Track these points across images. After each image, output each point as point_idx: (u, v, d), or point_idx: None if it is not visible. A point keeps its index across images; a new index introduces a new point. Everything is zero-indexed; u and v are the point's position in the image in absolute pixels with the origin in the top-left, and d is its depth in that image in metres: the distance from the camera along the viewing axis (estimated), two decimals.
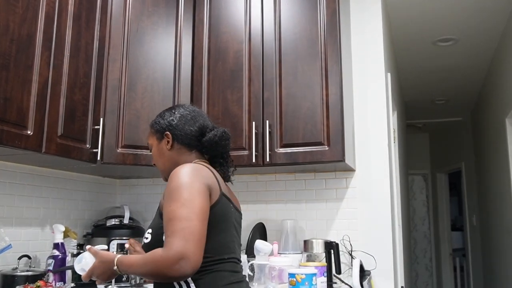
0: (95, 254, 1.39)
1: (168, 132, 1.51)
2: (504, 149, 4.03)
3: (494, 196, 4.68)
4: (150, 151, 1.59)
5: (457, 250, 7.31)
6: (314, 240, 2.33)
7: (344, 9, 2.52)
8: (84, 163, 2.23)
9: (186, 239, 1.17)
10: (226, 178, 1.53)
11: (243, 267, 1.52)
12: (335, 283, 2.29)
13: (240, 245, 1.50)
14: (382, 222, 2.52)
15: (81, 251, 2.33)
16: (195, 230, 1.19)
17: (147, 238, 1.39)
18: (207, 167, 1.41)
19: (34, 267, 2.17)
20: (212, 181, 1.34)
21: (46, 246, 2.34)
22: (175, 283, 1.30)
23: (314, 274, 1.73)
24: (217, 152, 1.51)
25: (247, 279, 2.13)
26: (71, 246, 2.33)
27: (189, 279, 1.29)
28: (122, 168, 2.42)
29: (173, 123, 1.51)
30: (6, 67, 1.73)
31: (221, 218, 1.34)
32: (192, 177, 1.29)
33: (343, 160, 2.23)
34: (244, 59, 2.46)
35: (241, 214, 1.53)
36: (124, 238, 2.42)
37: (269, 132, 2.34)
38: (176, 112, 1.54)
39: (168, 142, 1.51)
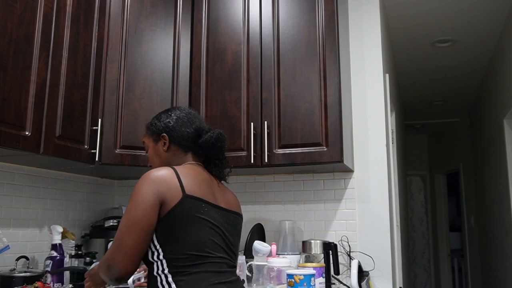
0: (88, 275, 1.54)
1: (164, 134, 1.55)
2: (502, 149, 4.04)
3: (492, 197, 4.69)
4: (146, 152, 1.62)
5: (455, 250, 7.33)
6: (312, 241, 2.33)
7: (342, 10, 2.53)
8: (82, 164, 2.23)
9: (114, 250, 1.30)
10: (221, 178, 1.57)
11: (236, 267, 1.51)
12: (334, 284, 2.29)
13: (230, 244, 1.47)
14: (381, 223, 2.52)
15: (79, 252, 2.34)
16: (123, 242, 1.29)
17: None
18: (180, 170, 1.41)
19: (32, 268, 2.17)
20: (168, 188, 1.35)
21: (44, 247, 2.33)
22: (158, 284, 1.33)
23: (313, 275, 1.73)
24: (213, 153, 1.54)
25: (244, 279, 2.13)
26: (69, 247, 2.33)
27: (170, 280, 1.32)
28: (120, 169, 2.42)
29: (170, 125, 1.54)
30: (4, 68, 1.73)
31: (186, 219, 1.34)
32: (143, 187, 1.33)
33: (341, 161, 2.23)
34: (243, 60, 2.47)
35: (231, 213, 1.52)
36: None
37: (268, 133, 2.34)
38: (172, 114, 1.57)
39: (164, 143, 1.55)
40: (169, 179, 1.37)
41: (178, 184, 1.37)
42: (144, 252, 1.33)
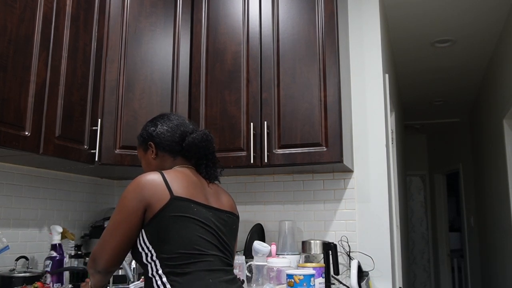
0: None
1: (151, 142, 1.60)
2: (501, 150, 4.04)
3: (492, 197, 4.69)
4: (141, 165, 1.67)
5: (455, 251, 7.33)
6: (312, 241, 2.33)
7: (342, 10, 2.53)
8: (82, 164, 2.23)
9: (99, 247, 1.40)
10: (212, 179, 1.58)
11: (233, 266, 1.51)
12: (333, 284, 2.29)
13: (224, 243, 1.47)
14: (380, 223, 2.52)
15: (79, 252, 2.33)
16: (106, 242, 1.39)
17: None
18: (167, 173, 1.44)
19: (31, 268, 2.17)
20: (154, 192, 1.38)
21: (44, 247, 2.33)
22: (154, 285, 1.34)
23: (312, 275, 1.73)
24: (200, 155, 1.56)
25: (244, 279, 2.13)
26: (68, 247, 2.33)
27: (165, 281, 1.33)
28: (120, 169, 2.42)
29: (154, 133, 1.60)
30: (3, 68, 1.73)
31: (174, 219, 1.37)
32: (129, 193, 1.39)
33: (341, 161, 2.23)
34: (242, 60, 2.46)
35: (224, 213, 1.53)
36: None
37: (267, 133, 2.34)
38: (157, 122, 1.62)
39: (152, 151, 1.60)
40: (156, 183, 1.41)
41: (165, 186, 1.40)
42: (128, 250, 1.40)
